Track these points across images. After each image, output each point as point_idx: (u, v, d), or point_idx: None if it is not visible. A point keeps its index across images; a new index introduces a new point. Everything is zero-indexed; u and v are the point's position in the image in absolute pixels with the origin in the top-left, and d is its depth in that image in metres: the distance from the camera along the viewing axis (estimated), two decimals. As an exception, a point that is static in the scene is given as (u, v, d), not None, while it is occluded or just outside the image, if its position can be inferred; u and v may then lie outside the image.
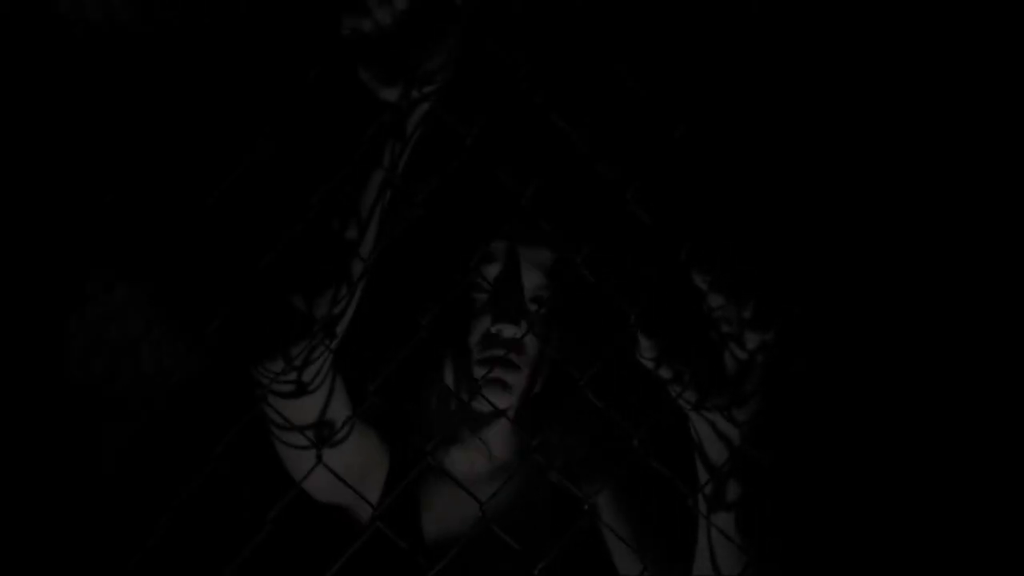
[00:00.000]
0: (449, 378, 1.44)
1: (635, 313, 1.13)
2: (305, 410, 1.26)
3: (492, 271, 1.41)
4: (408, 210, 1.13)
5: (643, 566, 1.27)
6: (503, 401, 1.38)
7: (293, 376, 1.21)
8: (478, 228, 1.38)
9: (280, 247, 1.04)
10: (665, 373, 1.14)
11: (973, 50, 1.65)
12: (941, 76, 1.65)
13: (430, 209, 1.13)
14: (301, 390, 1.24)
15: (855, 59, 1.62)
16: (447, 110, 1.10)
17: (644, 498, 1.43)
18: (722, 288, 1.12)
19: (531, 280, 1.41)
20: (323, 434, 1.29)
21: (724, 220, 1.19)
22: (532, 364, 1.40)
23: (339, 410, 1.31)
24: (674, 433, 1.21)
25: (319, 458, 1.13)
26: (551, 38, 1.09)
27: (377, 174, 1.15)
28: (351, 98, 1.12)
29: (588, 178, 1.15)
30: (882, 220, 1.62)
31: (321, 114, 1.07)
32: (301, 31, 1.49)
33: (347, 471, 1.31)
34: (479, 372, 1.38)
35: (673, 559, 1.31)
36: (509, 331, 1.37)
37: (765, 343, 1.14)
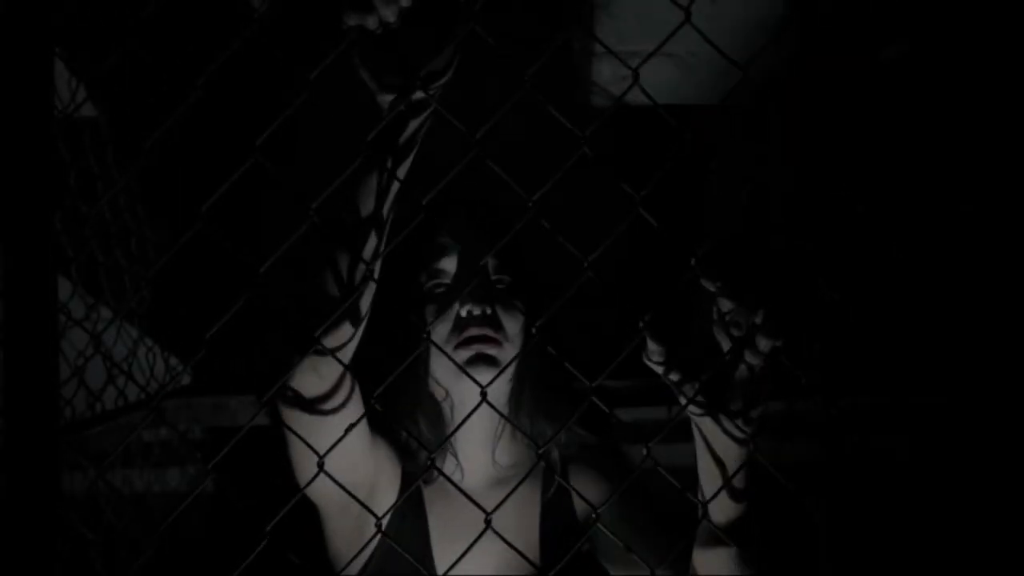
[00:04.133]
0: (434, 379, 1.44)
1: (644, 318, 1.11)
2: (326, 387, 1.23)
3: (447, 264, 1.44)
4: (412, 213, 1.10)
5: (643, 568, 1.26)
6: (486, 376, 1.36)
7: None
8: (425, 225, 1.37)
9: (280, 252, 1.02)
10: (674, 376, 1.13)
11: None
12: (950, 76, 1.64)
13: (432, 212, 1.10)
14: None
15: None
16: (450, 110, 1.08)
17: (641, 501, 1.42)
18: (732, 293, 1.11)
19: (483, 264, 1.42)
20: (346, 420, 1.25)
21: (736, 225, 1.17)
22: (511, 339, 1.42)
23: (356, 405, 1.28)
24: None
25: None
26: (556, 39, 1.08)
27: (381, 176, 1.13)
28: (353, 99, 1.10)
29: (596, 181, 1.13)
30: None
31: (323, 114, 1.05)
32: (304, 30, 1.47)
33: (358, 486, 1.31)
34: (462, 356, 1.38)
35: (672, 561, 1.29)
36: (479, 307, 1.40)
37: (776, 349, 1.13)
